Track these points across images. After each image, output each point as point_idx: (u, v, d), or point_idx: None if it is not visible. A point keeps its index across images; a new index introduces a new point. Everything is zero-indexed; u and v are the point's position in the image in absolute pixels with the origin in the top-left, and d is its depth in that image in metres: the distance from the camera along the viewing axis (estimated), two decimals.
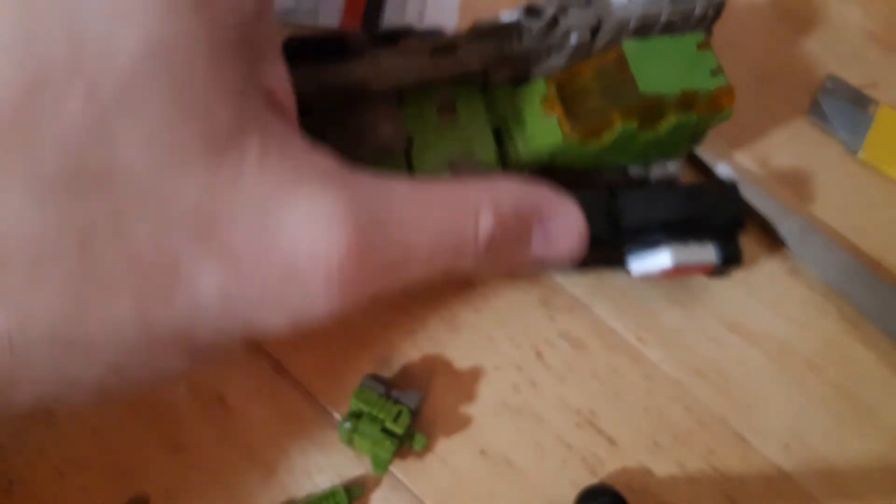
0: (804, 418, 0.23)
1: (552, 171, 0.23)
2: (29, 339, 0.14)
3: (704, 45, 0.22)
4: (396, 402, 0.22)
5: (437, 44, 0.22)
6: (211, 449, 0.23)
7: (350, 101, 0.22)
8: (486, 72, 0.22)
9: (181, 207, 0.14)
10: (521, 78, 0.23)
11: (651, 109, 0.22)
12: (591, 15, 0.22)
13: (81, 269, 0.14)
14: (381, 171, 0.18)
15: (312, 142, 0.17)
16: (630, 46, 0.22)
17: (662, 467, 0.23)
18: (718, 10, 0.22)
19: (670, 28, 0.22)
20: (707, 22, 0.23)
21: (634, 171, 0.24)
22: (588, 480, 0.23)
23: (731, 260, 0.22)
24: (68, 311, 0.14)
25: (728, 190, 0.23)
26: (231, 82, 0.15)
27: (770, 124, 0.27)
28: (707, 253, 0.22)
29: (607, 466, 0.23)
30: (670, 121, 0.22)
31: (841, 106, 0.27)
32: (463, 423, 0.23)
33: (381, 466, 0.21)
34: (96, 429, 0.23)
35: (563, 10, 0.22)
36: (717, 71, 0.22)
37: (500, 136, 0.23)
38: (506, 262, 0.20)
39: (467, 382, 0.24)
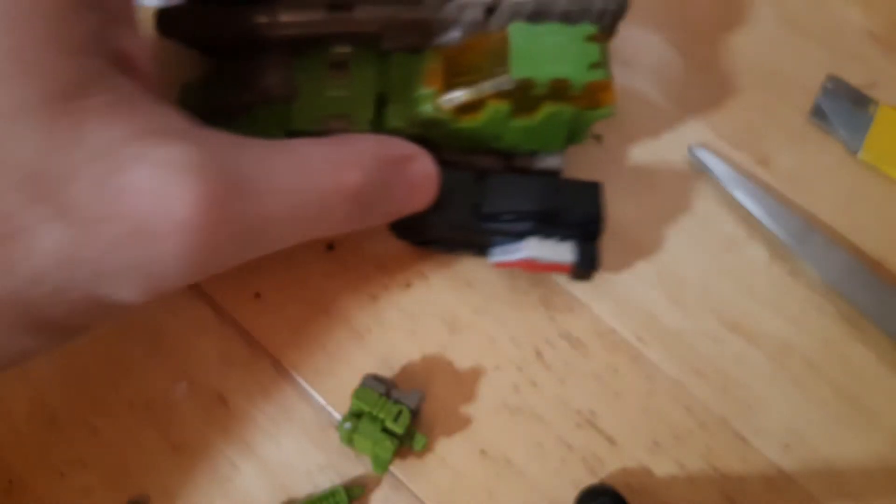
0: (804, 418, 0.23)
1: (431, 147, 0.22)
2: None
3: (595, 38, 0.22)
4: (396, 402, 0.22)
5: (333, 1, 0.22)
6: (211, 449, 0.23)
7: (247, 47, 0.23)
8: (383, 36, 0.23)
9: (17, 166, 0.14)
10: (417, 47, 0.23)
11: (523, 94, 0.22)
12: None
13: None
14: (251, 130, 0.19)
15: (168, 104, 0.17)
16: (516, 29, 0.22)
17: (662, 467, 0.23)
18: (621, 8, 0.22)
19: (567, 18, 0.22)
20: (608, 18, 0.23)
21: (519, 161, 0.24)
22: (588, 480, 0.23)
23: (587, 262, 0.22)
24: None
25: (590, 188, 0.23)
26: (74, 41, 0.15)
27: (770, 124, 0.27)
28: (564, 252, 0.22)
29: (607, 466, 0.23)
30: (545, 109, 0.22)
31: (841, 106, 0.27)
32: (463, 422, 0.23)
33: (382, 466, 0.21)
34: (96, 429, 0.23)
35: None
36: (598, 65, 0.22)
37: (382, 102, 0.23)
38: (375, 215, 0.20)
39: (467, 382, 0.24)
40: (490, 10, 0.22)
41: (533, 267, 0.23)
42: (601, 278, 0.25)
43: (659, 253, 0.25)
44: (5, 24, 0.14)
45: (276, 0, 0.22)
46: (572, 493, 0.22)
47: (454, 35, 0.23)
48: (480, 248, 0.24)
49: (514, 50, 0.22)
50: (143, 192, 0.14)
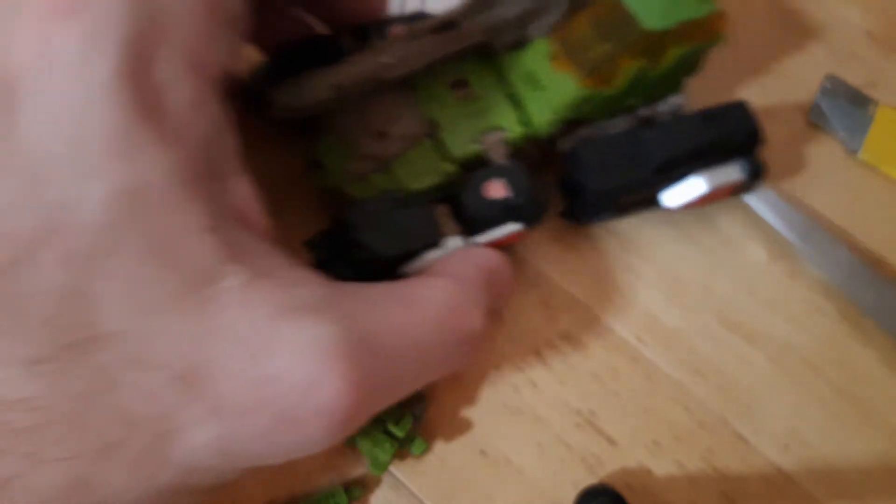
0: (804, 418, 0.24)
1: (572, 125, 0.23)
2: None
3: None
4: (401, 405, 0.22)
5: (438, 22, 0.22)
6: None
7: (363, 97, 0.22)
8: (489, 42, 0.22)
9: (167, 362, 0.14)
10: (521, 41, 0.23)
11: (653, 45, 0.22)
12: None
13: (75, 438, 0.13)
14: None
15: (292, 262, 0.16)
16: None
17: (662, 467, 0.23)
18: None
19: None
20: None
21: (642, 111, 0.24)
22: (588, 480, 0.23)
23: (756, 174, 0.23)
24: (69, 487, 0.13)
25: (739, 108, 0.23)
26: (203, 219, 0.14)
27: (770, 124, 0.27)
28: (735, 172, 0.23)
29: (607, 466, 0.23)
30: (672, 53, 0.23)
31: (841, 106, 0.27)
32: (463, 423, 0.23)
33: (379, 468, 0.21)
34: None
35: None
36: None
37: (516, 102, 0.23)
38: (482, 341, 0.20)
39: (467, 383, 0.24)
40: None
41: (707, 199, 0.24)
42: (600, 278, 0.25)
43: (658, 253, 0.25)
44: (138, 217, 0.14)
45: (383, 42, 0.22)
46: (572, 494, 0.22)
47: (553, 18, 0.23)
48: (647, 202, 0.24)
49: (631, 6, 0.22)
50: (287, 382, 0.14)
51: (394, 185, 0.22)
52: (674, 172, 0.23)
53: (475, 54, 0.23)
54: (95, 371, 0.13)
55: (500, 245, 0.22)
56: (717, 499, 0.23)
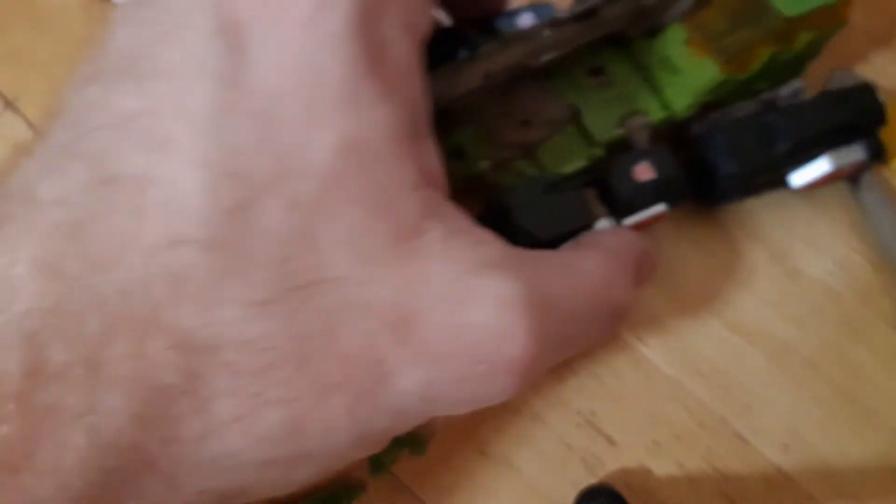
0: (804, 418, 0.24)
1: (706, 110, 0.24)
2: (246, 463, 0.14)
3: None
4: None
5: (579, 11, 0.22)
6: None
7: (504, 86, 0.22)
8: (626, 29, 0.23)
9: (380, 307, 0.14)
10: (655, 28, 0.24)
11: (787, 31, 0.23)
12: None
13: (298, 380, 0.14)
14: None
15: (476, 223, 0.17)
16: None
17: (662, 467, 0.23)
18: None
19: None
20: None
21: (766, 95, 0.24)
22: (587, 480, 0.23)
23: (878, 154, 0.24)
24: (287, 429, 0.14)
25: (865, 90, 0.24)
26: (411, 175, 0.15)
27: None
28: (857, 152, 0.24)
29: (607, 466, 0.23)
30: (802, 38, 0.23)
31: None
32: (463, 423, 0.23)
33: (380, 468, 0.21)
34: None
35: None
36: None
37: (653, 87, 0.24)
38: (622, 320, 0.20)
39: None
40: None
41: (829, 179, 0.24)
42: None
43: (658, 253, 0.25)
44: (359, 166, 0.14)
45: (526, 30, 0.22)
46: (572, 494, 0.22)
47: (686, 4, 0.23)
48: (775, 183, 0.24)
49: None
50: (482, 332, 0.15)
51: (540, 171, 0.22)
52: (804, 154, 0.23)
53: (608, 42, 0.23)
54: (319, 314, 0.14)
55: (642, 227, 0.22)
56: (717, 499, 0.23)
